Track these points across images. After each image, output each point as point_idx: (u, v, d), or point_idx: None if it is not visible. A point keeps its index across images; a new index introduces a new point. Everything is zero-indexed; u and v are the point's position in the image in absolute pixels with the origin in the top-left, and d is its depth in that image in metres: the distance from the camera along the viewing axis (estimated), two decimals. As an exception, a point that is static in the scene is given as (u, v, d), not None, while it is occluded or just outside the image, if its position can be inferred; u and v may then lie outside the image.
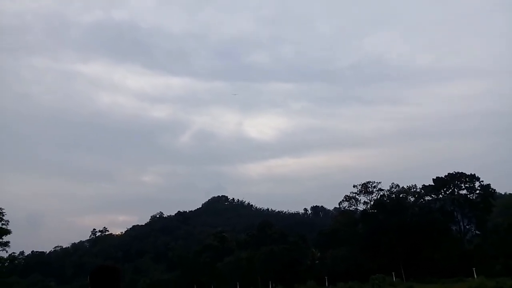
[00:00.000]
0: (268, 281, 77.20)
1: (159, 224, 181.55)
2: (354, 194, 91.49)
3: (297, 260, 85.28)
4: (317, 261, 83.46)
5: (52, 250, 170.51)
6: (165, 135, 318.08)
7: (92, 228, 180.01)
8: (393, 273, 63.99)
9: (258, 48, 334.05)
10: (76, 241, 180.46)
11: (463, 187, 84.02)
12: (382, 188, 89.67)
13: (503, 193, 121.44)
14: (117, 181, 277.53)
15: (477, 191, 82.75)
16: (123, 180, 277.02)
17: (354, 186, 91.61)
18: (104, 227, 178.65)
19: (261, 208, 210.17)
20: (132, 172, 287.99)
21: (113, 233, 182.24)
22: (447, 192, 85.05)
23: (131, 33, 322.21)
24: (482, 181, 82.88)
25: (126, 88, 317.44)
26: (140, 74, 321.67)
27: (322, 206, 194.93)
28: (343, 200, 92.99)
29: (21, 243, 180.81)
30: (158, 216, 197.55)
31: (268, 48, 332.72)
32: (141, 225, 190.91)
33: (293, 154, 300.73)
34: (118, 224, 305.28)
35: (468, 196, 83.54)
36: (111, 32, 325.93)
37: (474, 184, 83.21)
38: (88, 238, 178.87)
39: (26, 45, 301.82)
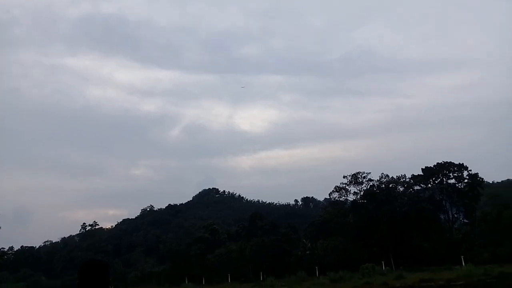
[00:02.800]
0: (259, 272, 77.51)
1: (150, 217, 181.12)
2: (344, 185, 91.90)
3: (288, 251, 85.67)
4: (307, 252, 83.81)
5: (42, 245, 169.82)
6: (156, 128, 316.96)
7: (82, 222, 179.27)
8: (382, 262, 64.55)
9: (248, 41, 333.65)
10: (66, 236, 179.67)
11: (452, 176, 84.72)
12: (372, 178, 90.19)
13: (491, 182, 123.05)
14: (107, 175, 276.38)
15: (466, 180, 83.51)
16: (113, 174, 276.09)
17: (344, 177, 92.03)
18: (94, 221, 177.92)
19: (252, 200, 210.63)
20: (122, 166, 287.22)
21: (103, 227, 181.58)
22: (436, 182, 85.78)
23: (120, 27, 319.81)
24: (470, 170, 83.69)
25: (116, 82, 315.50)
26: (130, 67, 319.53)
27: (312, 197, 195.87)
28: (333, 191, 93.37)
29: (10, 238, 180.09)
30: (148, 209, 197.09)
31: (258, 41, 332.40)
32: (131, 219, 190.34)
33: (284, 146, 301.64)
34: (108, 218, 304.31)
35: (457, 185, 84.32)
36: (100, 25, 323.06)
37: (462, 173, 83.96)
38: (78, 232, 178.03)
39: (14, 39, 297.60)
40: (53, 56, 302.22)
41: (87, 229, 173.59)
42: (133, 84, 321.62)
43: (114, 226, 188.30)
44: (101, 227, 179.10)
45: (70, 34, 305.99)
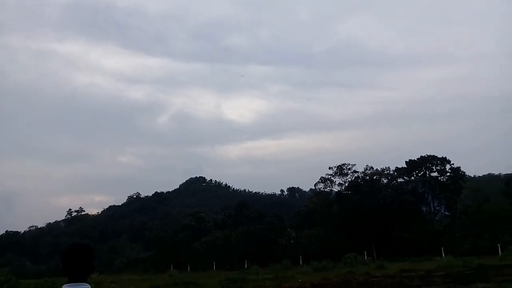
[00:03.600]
0: (244, 260, 78.53)
1: (136, 204, 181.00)
2: (329, 176, 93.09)
3: (273, 239, 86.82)
4: (292, 241, 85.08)
5: (27, 230, 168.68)
6: (143, 116, 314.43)
7: (68, 208, 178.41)
8: (365, 252, 65.98)
9: (237, 30, 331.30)
10: (52, 221, 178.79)
11: (435, 169, 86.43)
12: (356, 170, 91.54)
13: (472, 176, 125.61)
14: (94, 161, 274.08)
15: (448, 174, 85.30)
16: (100, 161, 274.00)
17: (329, 168, 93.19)
18: (80, 207, 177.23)
19: (238, 189, 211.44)
20: (109, 153, 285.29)
21: (90, 213, 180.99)
22: (419, 174, 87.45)
23: (108, 13, 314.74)
24: (453, 164, 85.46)
25: (103, 68, 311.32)
26: (118, 54, 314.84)
27: (298, 188, 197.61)
28: (319, 181, 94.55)
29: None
30: (135, 196, 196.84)
31: (246, 31, 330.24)
32: (118, 205, 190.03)
33: (271, 137, 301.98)
34: (95, 204, 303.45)
35: (439, 178, 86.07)
36: (88, 11, 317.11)
37: (445, 167, 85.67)
38: (64, 218, 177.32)
39: (0, 23, 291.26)
40: (40, 41, 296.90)
41: (73, 215, 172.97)
42: (121, 71, 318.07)
43: (100, 212, 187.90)
44: (87, 213, 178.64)
45: (57, 19, 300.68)
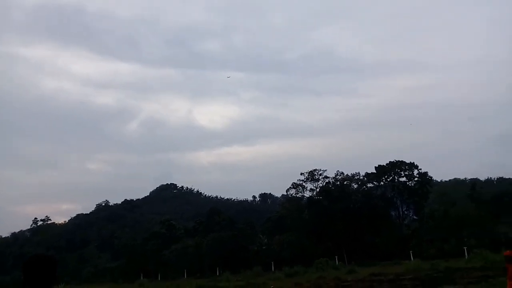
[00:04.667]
0: (216, 267, 77.81)
1: (105, 213, 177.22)
2: (301, 182, 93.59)
3: (244, 246, 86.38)
4: (264, 247, 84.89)
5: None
6: (113, 122, 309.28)
7: (34, 217, 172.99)
8: (336, 257, 66.37)
9: (209, 36, 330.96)
10: (16, 231, 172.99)
11: (403, 174, 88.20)
12: (327, 175, 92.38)
13: (439, 181, 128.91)
14: (61, 169, 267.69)
15: (416, 179, 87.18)
16: (67, 168, 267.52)
17: (301, 174, 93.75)
18: (47, 216, 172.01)
19: (210, 196, 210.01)
20: (77, 160, 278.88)
21: (56, 222, 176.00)
22: (388, 180, 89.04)
23: (77, 17, 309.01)
24: (421, 169, 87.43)
25: (72, 73, 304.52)
26: (87, 59, 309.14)
27: (270, 194, 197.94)
28: (290, 187, 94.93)
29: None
30: (104, 204, 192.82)
31: (220, 37, 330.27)
32: (86, 214, 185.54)
33: (244, 143, 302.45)
34: (62, 212, 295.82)
35: (407, 183, 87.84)
36: (56, 14, 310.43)
37: (413, 172, 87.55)
38: (29, 227, 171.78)
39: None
40: (6, 45, 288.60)
41: (38, 224, 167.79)
42: (90, 76, 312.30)
43: (67, 221, 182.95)
44: (54, 222, 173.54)
45: (24, 23, 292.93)
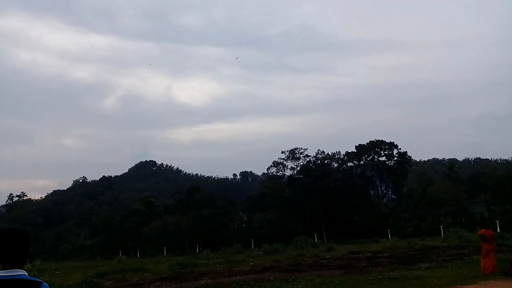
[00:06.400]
0: (196, 245, 77.86)
1: (82, 189, 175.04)
2: (282, 160, 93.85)
3: (224, 224, 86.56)
4: (244, 225, 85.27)
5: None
6: (89, 97, 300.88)
7: (9, 193, 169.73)
8: (315, 235, 67.07)
9: (190, 10, 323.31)
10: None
11: (383, 154, 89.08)
12: (308, 154, 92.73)
13: (418, 160, 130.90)
14: (36, 144, 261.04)
15: (395, 158, 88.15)
16: (42, 144, 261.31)
17: (282, 152, 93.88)
18: (22, 192, 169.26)
19: (190, 174, 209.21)
20: (52, 135, 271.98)
21: (32, 198, 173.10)
22: (368, 159, 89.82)
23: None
24: (400, 148, 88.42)
25: (46, 45, 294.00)
26: (61, 30, 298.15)
27: (251, 172, 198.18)
28: (271, 165, 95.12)
29: None
30: (81, 180, 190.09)
31: (200, 11, 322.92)
32: (62, 190, 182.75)
33: (225, 120, 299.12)
34: (38, 189, 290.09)
35: (387, 162, 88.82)
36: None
37: (392, 151, 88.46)
38: (4, 203, 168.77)
39: None
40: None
41: (14, 200, 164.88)
42: (65, 48, 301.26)
43: (43, 197, 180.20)
44: (30, 198, 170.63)
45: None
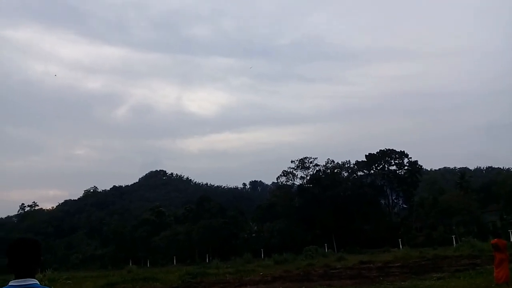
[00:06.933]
0: (206, 254, 77.77)
1: (93, 199, 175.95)
2: (291, 169, 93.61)
3: (234, 233, 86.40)
4: (254, 234, 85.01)
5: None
6: (101, 107, 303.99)
7: (21, 203, 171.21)
8: (325, 244, 66.66)
9: (199, 21, 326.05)
10: (3, 216, 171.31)
11: (393, 163, 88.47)
12: (318, 163, 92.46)
13: (429, 169, 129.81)
14: (48, 154, 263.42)
15: (406, 167, 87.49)
16: (54, 154, 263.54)
17: (292, 162, 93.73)
18: (34, 202, 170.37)
19: (200, 183, 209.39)
20: (64, 145, 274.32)
21: (44, 208, 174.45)
22: (378, 168, 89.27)
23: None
24: (410, 157, 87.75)
25: (59, 57, 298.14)
26: (74, 42, 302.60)
27: (260, 181, 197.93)
28: (281, 175, 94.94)
29: None
30: (92, 190, 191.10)
31: (209, 22, 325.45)
32: (74, 200, 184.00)
33: (234, 130, 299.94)
34: (49, 199, 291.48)
35: (397, 171, 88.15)
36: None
37: (403, 160, 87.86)
38: (16, 213, 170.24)
39: None
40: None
41: (25, 210, 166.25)
42: (78, 59, 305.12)
43: (55, 207, 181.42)
44: (41, 208, 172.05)
45: (10, 5, 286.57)
